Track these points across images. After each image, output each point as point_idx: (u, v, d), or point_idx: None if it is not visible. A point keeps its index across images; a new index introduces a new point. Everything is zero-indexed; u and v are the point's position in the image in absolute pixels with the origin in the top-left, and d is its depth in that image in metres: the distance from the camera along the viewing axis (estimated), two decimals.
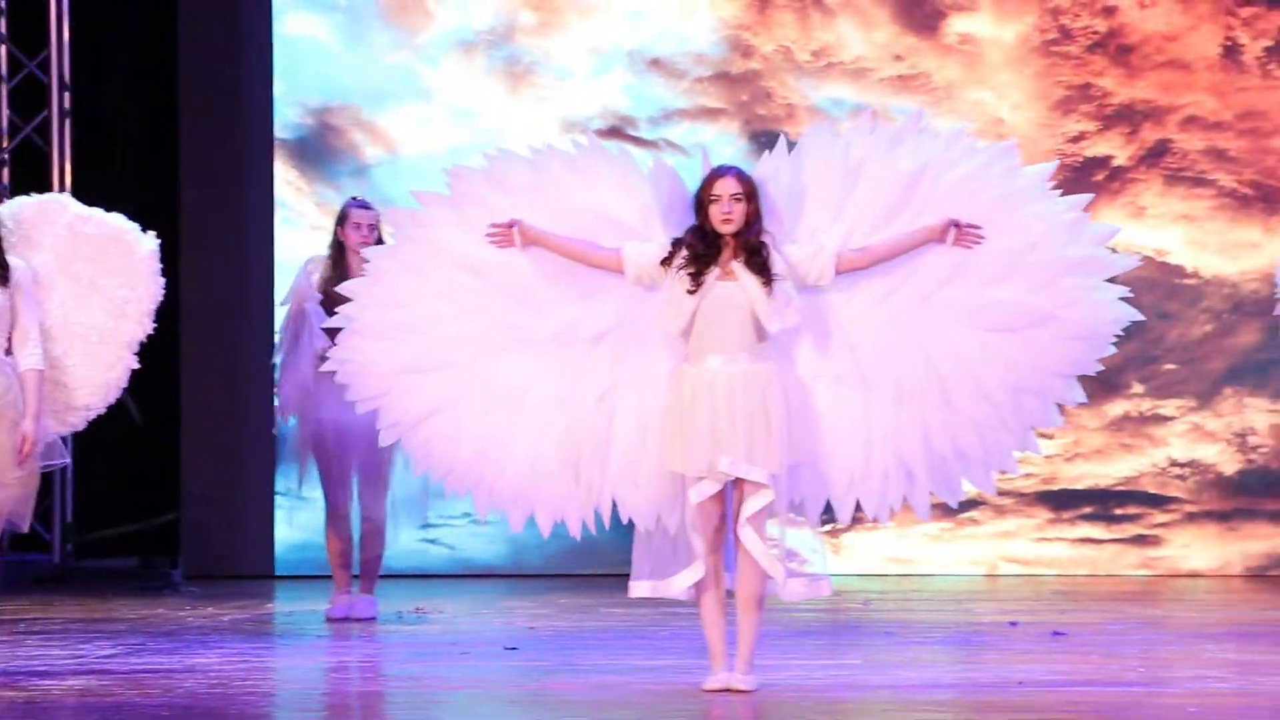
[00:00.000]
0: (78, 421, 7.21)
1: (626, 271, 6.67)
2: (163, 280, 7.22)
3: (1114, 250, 6.74)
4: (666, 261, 6.64)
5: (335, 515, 9.01)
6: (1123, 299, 6.64)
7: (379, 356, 6.79)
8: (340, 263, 8.91)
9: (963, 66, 10.65)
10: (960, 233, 6.61)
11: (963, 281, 6.65)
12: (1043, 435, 10.52)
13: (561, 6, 10.73)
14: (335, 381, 7.12)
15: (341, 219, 9.00)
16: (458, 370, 6.75)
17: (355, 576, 9.01)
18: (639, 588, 6.84)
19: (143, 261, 7.20)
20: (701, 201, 6.65)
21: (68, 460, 7.53)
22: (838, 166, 6.70)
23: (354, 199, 9.19)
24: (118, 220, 7.20)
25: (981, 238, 6.63)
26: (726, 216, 6.62)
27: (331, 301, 8.76)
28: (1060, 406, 6.68)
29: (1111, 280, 6.66)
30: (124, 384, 7.14)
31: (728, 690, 6.74)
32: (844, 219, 6.70)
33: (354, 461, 8.94)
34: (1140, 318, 6.65)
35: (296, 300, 8.88)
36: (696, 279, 6.60)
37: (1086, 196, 6.66)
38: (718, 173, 6.69)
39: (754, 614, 6.72)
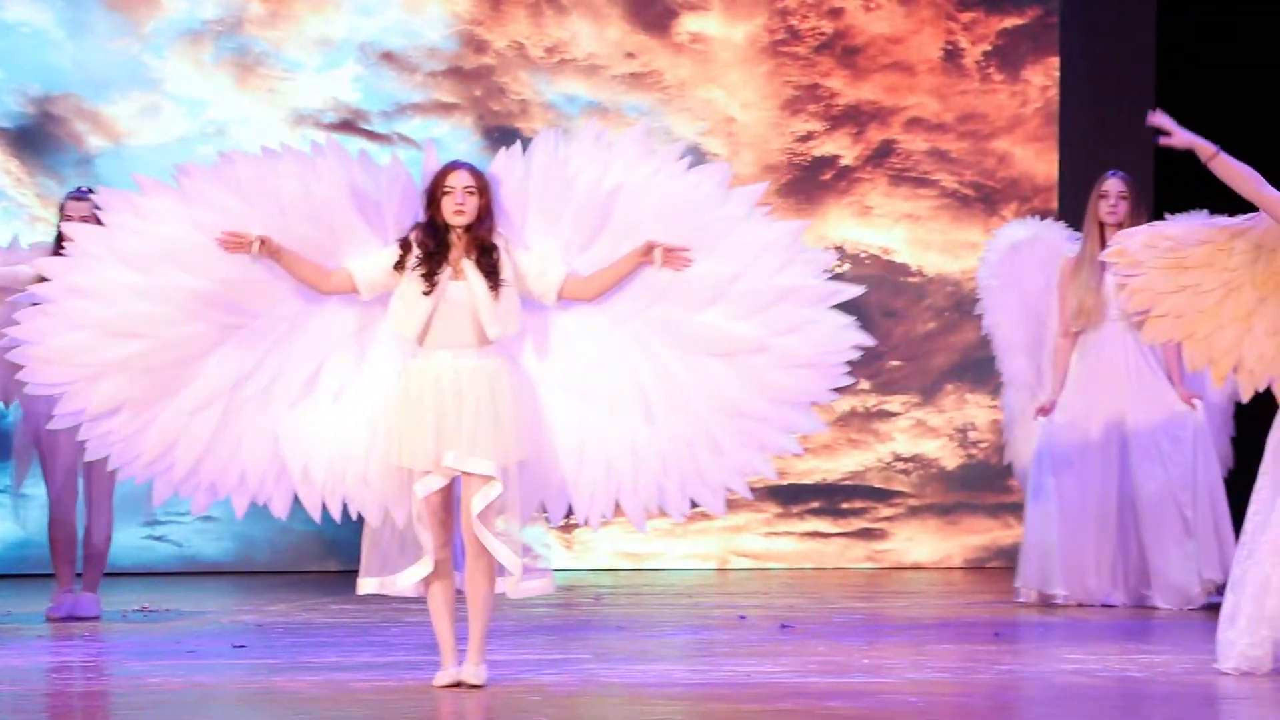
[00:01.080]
0: None
1: (362, 292, 6.65)
2: None
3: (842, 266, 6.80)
4: (400, 265, 6.63)
5: (58, 512, 8.90)
6: (852, 323, 6.63)
7: (69, 345, 6.60)
8: (60, 253, 8.82)
9: (694, 65, 10.76)
10: (666, 254, 6.65)
11: (670, 304, 6.69)
12: None
13: None
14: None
15: (60, 210, 8.97)
16: (164, 373, 6.63)
17: (78, 575, 8.90)
18: (367, 584, 6.84)
19: None
20: (434, 195, 6.65)
21: None
22: (558, 175, 6.73)
23: (74, 191, 9.10)
24: None
25: (689, 260, 6.68)
26: (459, 208, 6.63)
27: None
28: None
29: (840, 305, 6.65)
30: None
31: (458, 685, 6.76)
32: (559, 232, 6.73)
33: (78, 459, 8.84)
34: (870, 342, 6.65)
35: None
36: (430, 279, 6.60)
37: (803, 223, 6.68)
38: (451, 166, 6.71)
39: (484, 609, 6.75)
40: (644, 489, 6.82)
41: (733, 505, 10.60)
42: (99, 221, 8.76)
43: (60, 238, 8.84)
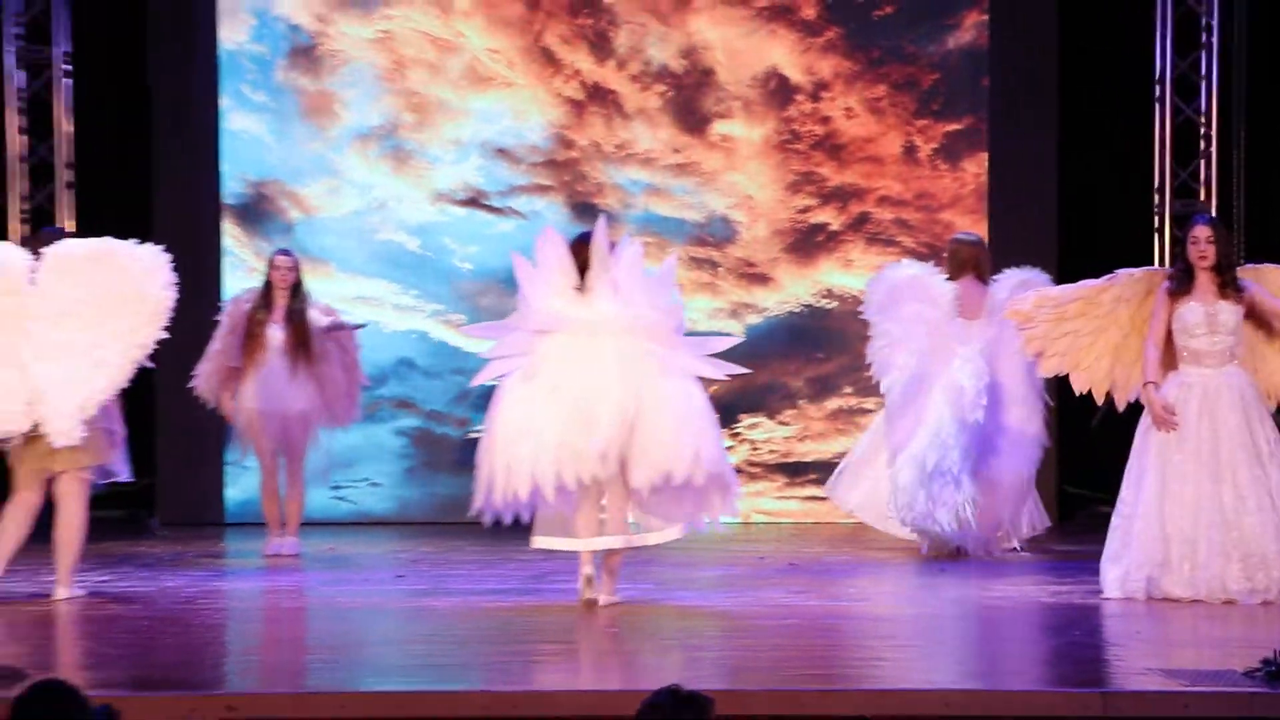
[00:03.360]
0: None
1: None
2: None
3: None
4: None
5: (268, 479, 8.99)
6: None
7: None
8: (267, 295, 8.98)
9: (723, 157, 10.81)
10: None
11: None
12: (781, 423, 10.74)
13: (432, 110, 10.76)
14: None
15: (269, 263, 9.06)
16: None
17: (283, 524, 8.97)
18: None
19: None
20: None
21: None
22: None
23: (279, 249, 9.24)
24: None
25: None
26: None
27: (253, 325, 8.82)
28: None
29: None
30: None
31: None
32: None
33: (281, 440, 8.94)
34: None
35: (230, 315, 8.92)
36: None
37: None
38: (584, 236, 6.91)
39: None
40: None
41: (754, 476, 10.66)
42: (298, 275, 8.94)
43: (269, 283, 8.99)
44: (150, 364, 7.06)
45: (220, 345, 8.88)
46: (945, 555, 8.57)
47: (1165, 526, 6.98)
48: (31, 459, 6.96)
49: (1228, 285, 7.09)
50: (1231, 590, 6.91)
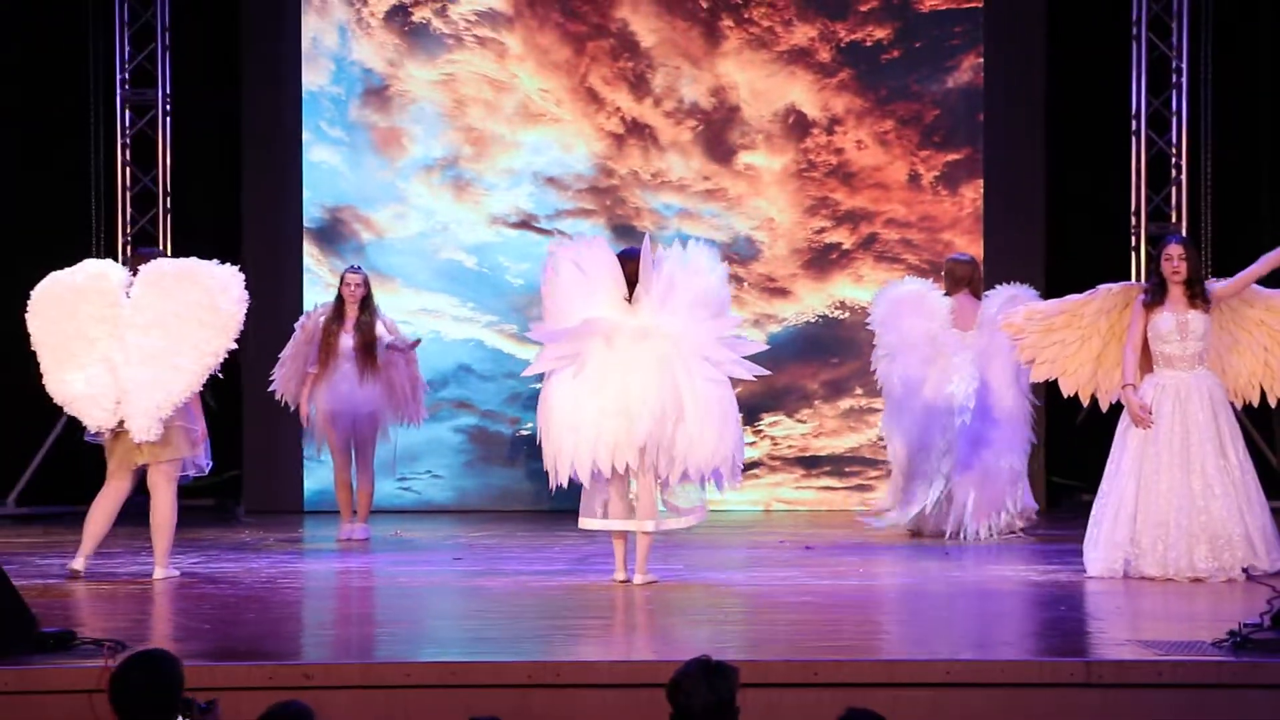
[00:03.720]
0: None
1: None
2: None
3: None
4: None
5: (340, 471, 9.01)
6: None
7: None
8: (339, 307, 9.00)
9: (748, 184, 10.81)
10: None
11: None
12: (799, 421, 10.72)
13: (489, 142, 10.79)
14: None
15: (341, 280, 9.09)
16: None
17: (354, 512, 8.97)
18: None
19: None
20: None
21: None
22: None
23: (350, 267, 9.27)
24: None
25: None
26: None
27: (326, 334, 8.85)
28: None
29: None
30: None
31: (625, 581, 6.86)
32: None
33: (351, 436, 8.96)
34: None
35: (304, 327, 8.95)
36: None
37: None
38: (632, 252, 6.88)
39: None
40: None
41: (774, 469, 10.65)
42: (367, 290, 8.96)
43: (340, 297, 9.02)
44: (219, 374, 7.08)
45: (293, 352, 8.94)
46: (921, 537, 8.65)
47: (1141, 513, 6.99)
48: (120, 452, 7.04)
49: (1197, 297, 7.12)
50: (1200, 569, 6.90)
